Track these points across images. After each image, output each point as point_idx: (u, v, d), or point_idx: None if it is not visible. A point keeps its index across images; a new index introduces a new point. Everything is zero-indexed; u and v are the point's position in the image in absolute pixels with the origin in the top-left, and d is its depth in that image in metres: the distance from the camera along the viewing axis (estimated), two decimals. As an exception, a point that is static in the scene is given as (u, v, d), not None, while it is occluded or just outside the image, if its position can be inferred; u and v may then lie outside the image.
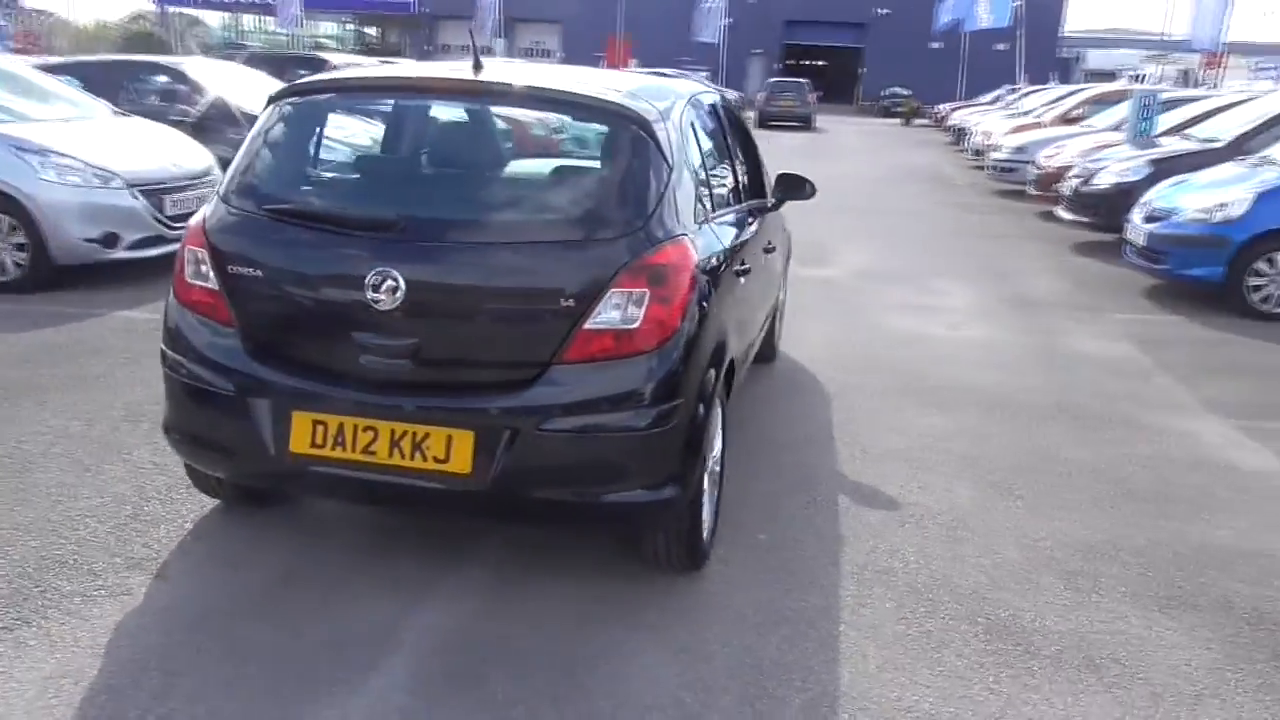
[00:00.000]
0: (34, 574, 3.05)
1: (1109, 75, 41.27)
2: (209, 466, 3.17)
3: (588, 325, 2.72)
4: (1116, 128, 13.48)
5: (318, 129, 3.21)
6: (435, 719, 2.49)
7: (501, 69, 3.26)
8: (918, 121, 38.46)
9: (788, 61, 49.91)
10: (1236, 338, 6.72)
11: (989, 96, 32.85)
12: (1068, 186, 10.31)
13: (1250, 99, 11.35)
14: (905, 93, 47.65)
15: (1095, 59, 49.74)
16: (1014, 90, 27.43)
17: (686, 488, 2.88)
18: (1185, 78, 37.56)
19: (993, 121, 20.04)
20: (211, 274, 2.96)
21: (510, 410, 2.74)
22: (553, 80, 3.16)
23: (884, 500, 3.85)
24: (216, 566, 3.19)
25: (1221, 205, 7.24)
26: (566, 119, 3.22)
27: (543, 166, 3.18)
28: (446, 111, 3.61)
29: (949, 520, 3.69)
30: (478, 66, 3.12)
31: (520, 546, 3.32)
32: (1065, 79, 42.42)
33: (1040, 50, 46.46)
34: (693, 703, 2.57)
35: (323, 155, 3.29)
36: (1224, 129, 9.83)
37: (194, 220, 3.10)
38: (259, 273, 2.91)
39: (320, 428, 2.84)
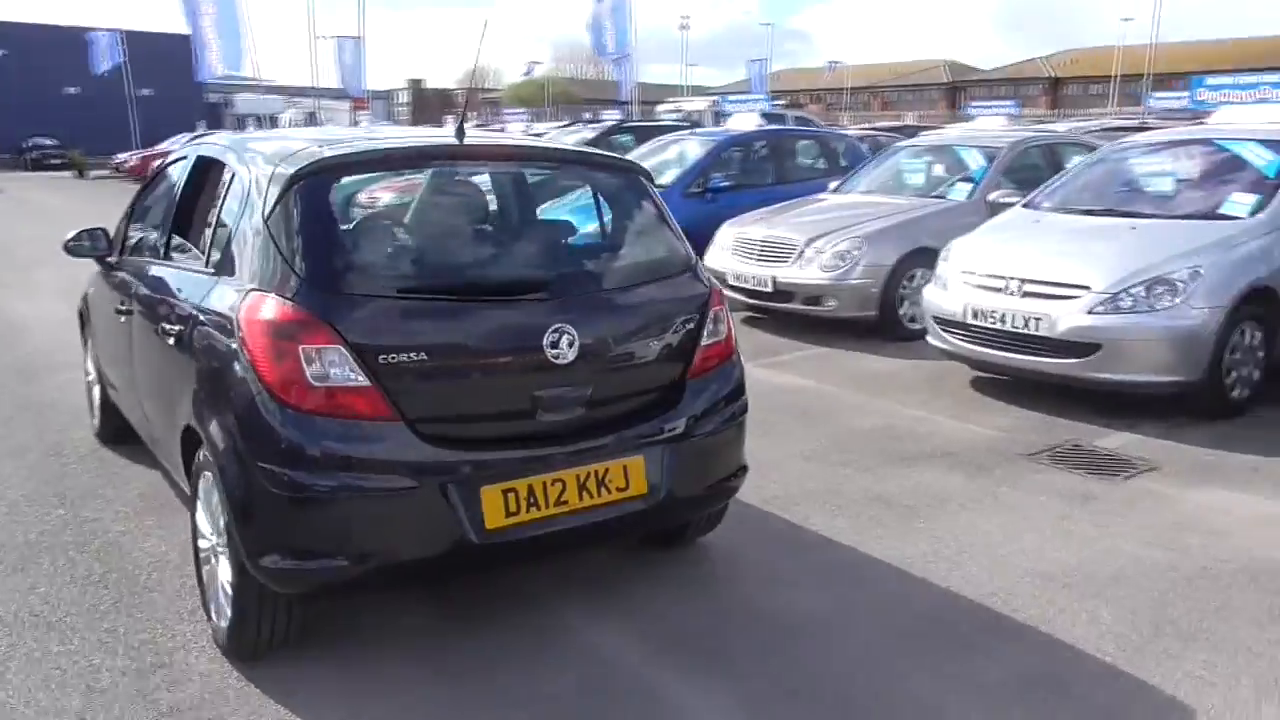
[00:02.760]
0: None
1: (269, 120, 43.64)
2: (355, 579, 2.81)
3: (703, 342, 3.32)
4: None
5: (379, 203, 3.04)
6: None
7: (483, 135, 3.45)
8: (96, 174, 35.70)
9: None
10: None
11: (169, 144, 32.38)
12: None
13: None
14: (50, 142, 44.10)
15: (243, 104, 51.80)
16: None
17: (746, 464, 3.62)
18: (310, 119, 42.00)
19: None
20: (354, 370, 2.72)
21: (670, 428, 3.20)
22: (546, 143, 3.45)
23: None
24: (356, 697, 2.88)
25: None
26: (588, 174, 3.53)
27: (604, 217, 3.46)
28: (487, 175, 3.53)
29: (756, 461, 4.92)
30: (461, 133, 3.30)
31: (567, 577, 3.61)
32: (216, 124, 43.85)
33: (187, 95, 46.76)
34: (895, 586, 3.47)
35: (402, 228, 3.07)
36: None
37: (279, 317, 2.74)
38: (422, 355, 2.79)
39: (511, 496, 2.91)
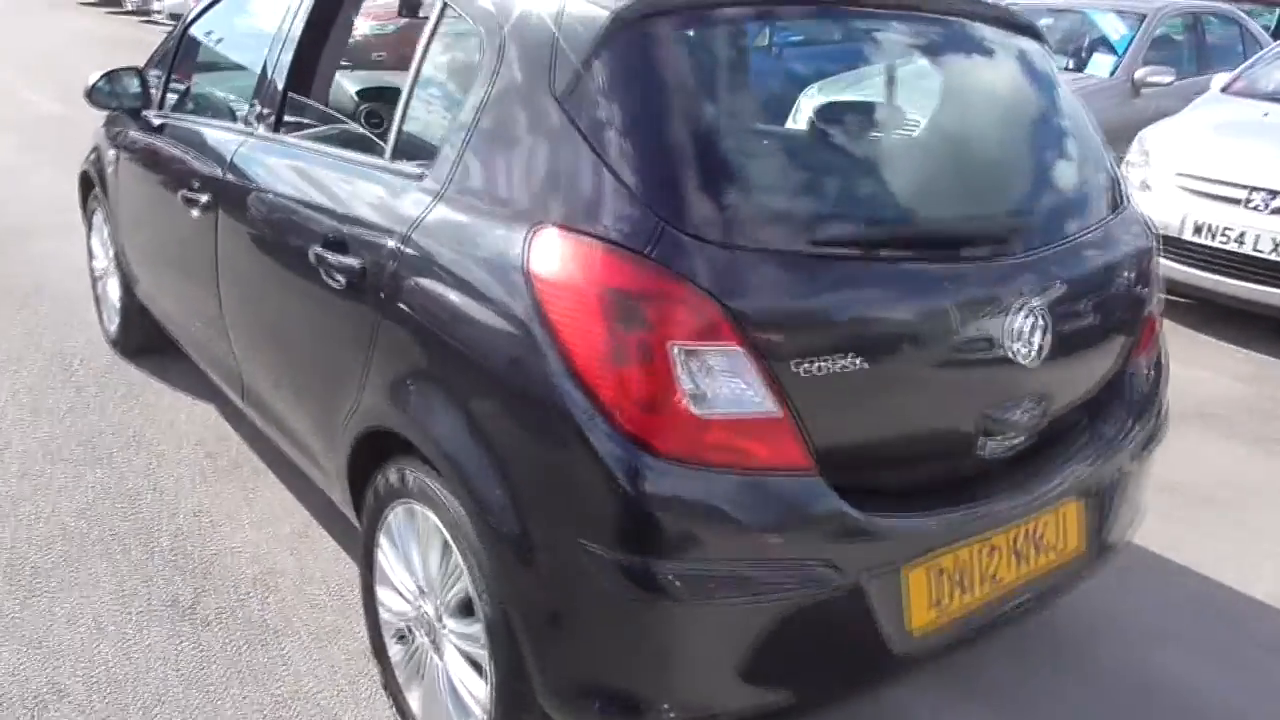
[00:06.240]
0: None
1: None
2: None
3: (1147, 309, 2.20)
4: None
5: (766, 79, 1.83)
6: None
7: None
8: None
9: None
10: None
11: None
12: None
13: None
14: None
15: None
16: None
17: None
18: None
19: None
20: (755, 386, 1.55)
21: (1120, 447, 2.09)
22: None
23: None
24: None
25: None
26: (1006, 41, 2.22)
27: (1042, 117, 2.20)
28: (876, 39, 2.17)
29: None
30: None
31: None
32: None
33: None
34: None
35: (781, 128, 1.83)
36: None
37: (630, 285, 1.52)
38: (856, 360, 1.61)
39: (938, 578, 1.81)
